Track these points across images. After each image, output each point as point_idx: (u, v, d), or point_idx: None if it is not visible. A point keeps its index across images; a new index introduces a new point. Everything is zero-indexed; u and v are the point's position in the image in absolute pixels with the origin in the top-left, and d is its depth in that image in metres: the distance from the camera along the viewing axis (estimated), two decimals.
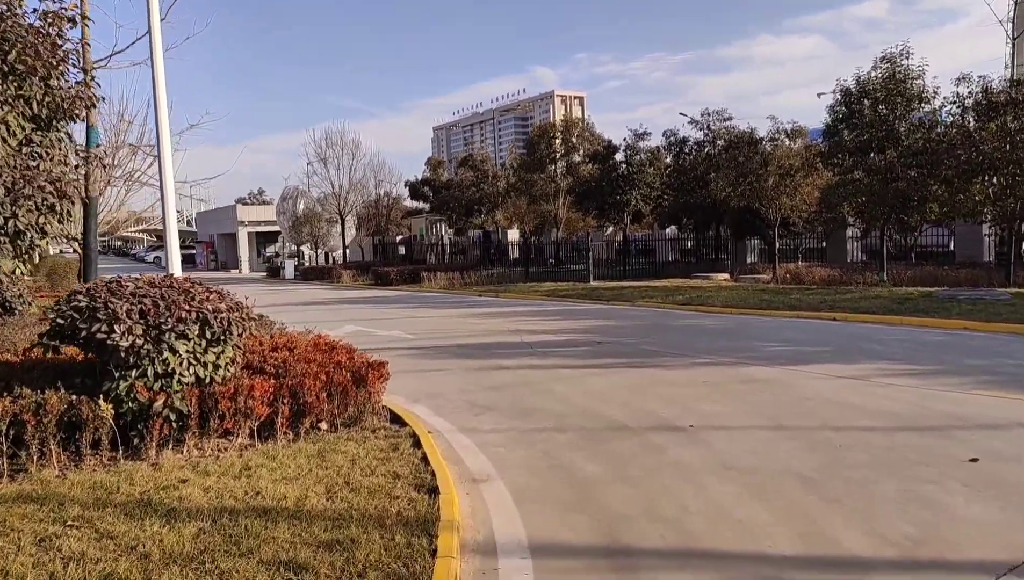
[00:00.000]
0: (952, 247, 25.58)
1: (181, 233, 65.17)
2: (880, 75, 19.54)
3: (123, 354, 5.40)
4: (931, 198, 18.67)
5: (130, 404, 5.55)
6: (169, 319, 5.53)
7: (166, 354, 5.56)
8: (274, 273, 45.53)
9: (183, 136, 13.93)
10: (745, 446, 5.94)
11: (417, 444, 6.06)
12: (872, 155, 19.37)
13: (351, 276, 33.31)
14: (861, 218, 20.51)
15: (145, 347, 5.44)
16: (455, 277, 26.77)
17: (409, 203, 51.16)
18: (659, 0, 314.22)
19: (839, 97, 20.22)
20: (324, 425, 6.54)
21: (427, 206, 46.67)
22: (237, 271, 56.41)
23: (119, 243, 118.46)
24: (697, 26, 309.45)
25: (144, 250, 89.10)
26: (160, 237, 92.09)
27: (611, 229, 38.85)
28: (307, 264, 46.54)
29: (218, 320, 5.84)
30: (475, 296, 23.21)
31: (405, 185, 45.34)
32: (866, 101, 19.66)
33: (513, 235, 40.62)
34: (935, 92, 19.16)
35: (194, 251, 69.21)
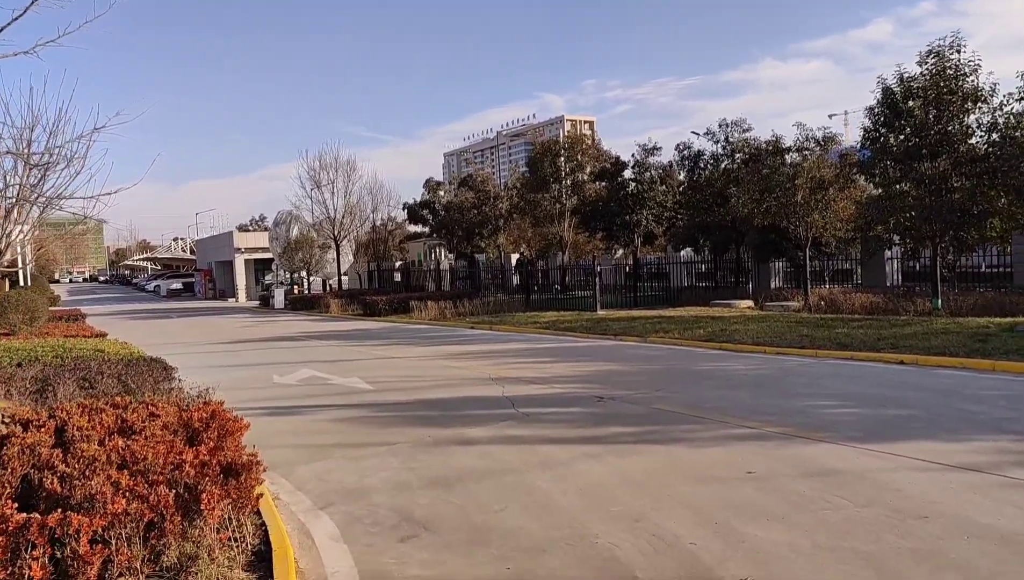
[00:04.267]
0: (1006, 267, 22.69)
1: (182, 261, 63.25)
2: (928, 71, 16.90)
3: None
4: (995, 211, 15.91)
5: None
6: None
7: None
8: (265, 302, 43.17)
9: (97, 143, 11.39)
10: None
11: None
12: (923, 163, 16.64)
13: (339, 306, 30.81)
14: (909, 236, 17.73)
15: None
16: (447, 306, 24.13)
17: (410, 228, 48.89)
18: (665, 27, 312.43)
19: (879, 97, 17.58)
20: None
21: (426, 230, 44.32)
22: (234, 300, 54.19)
23: (127, 272, 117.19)
24: (702, 51, 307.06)
25: (145, 279, 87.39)
26: (165, 266, 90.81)
27: (620, 252, 36.26)
28: (306, 292, 44.17)
29: None
30: (466, 328, 20.57)
31: (403, 208, 42.99)
32: (911, 102, 17.01)
33: (516, 260, 38.11)
34: (993, 89, 16.48)
35: (193, 280, 67.21)
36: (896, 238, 18.93)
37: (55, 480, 4.29)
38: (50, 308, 32.64)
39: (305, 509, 5.57)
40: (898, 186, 17.42)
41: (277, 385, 11.80)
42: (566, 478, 5.92)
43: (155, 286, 71.64)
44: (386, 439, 7.55)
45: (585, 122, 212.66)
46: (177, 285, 67.53)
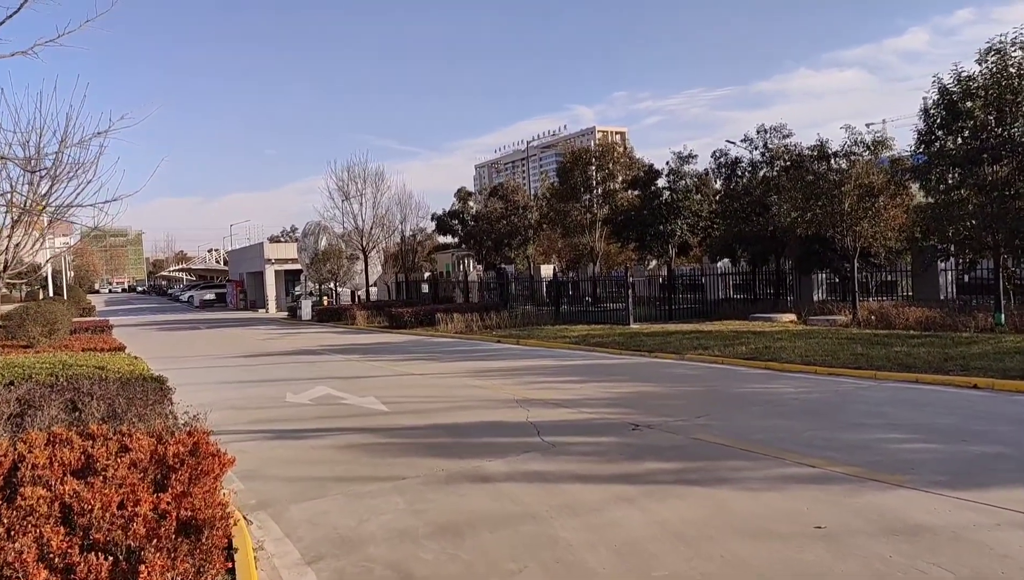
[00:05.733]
0: None
1: (216, 272, 63.79)
2: (988, 70, 15.71)
3: None
4: None
5: None
6: None
7: None
8: (294, 313, 42.93)
9: (101, 141, 10.84)
10: None
11: None
12: (984, 168, 15.40)
13: (365, 318, 30.23)
14: (968, 246, 16.45)
15: None
16: (474, 319, 23.34)
17: (439, 239, 48.40)
18: (696, 37, 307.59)
19: (935, 98, 16.40)
20: None
21: (455, 241, 43.74)
22: (264, 311, 54.24)
23: (163, 283, 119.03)
24: (734, 62, 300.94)
25: (180, 289, 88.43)
26: (200, 276, 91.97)
27: (654, 263, 35.24)
28: (336, 303, 43.83)
29: None
30: (493, 342, 19.74)
31: (432, 218, 42.44)
32: (970, 102, 15.80)
33: (546, 271, 37.22)
34: None
35: (225, 290, 67.61)
36: (953, 248, 17.65)
37: None
38: (79, 319, 32.64)
39: (290, 564, 4.77)
40: (956, 193, 16.19)
41: (289, 404, 11.10)
42: (595, 528, 5.04)
43: (189, 297, 72.32)
44: (394, 472, 6.74)
45: (616, 133, 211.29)
46: (210, 295, 67.93)
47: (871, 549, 4.41)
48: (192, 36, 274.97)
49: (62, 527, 3.69)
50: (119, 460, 4.94)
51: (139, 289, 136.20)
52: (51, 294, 43.94)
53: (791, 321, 20.16)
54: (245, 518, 5.62)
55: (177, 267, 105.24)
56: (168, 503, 4.12)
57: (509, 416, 9.11)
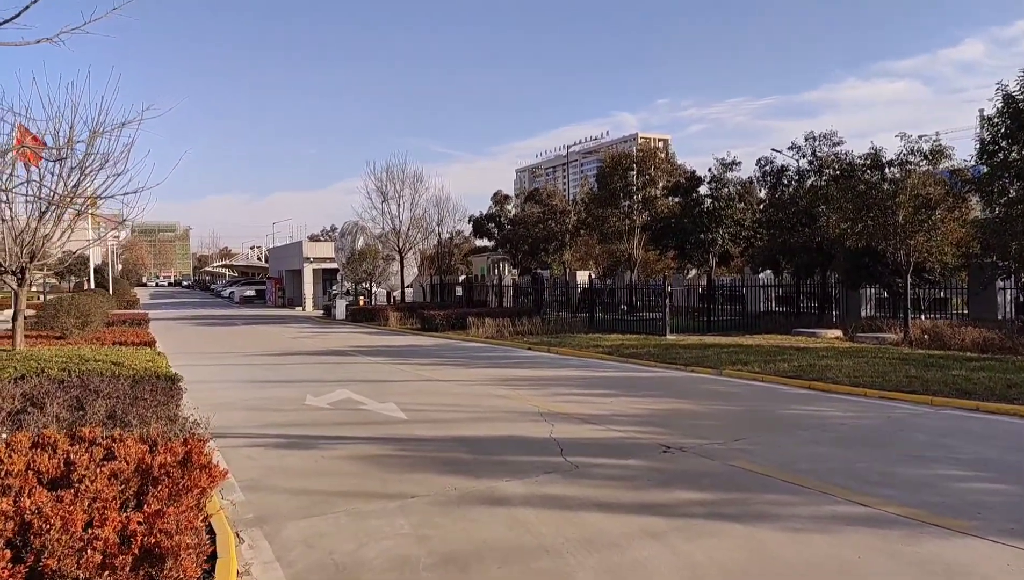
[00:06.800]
0: None
1: (257, 269, 64.54)
2: None
3: None
4: None
5: None
6: None
7: None
8: (328, 312, 43.06)
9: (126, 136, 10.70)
10: None
11: None
12: None
13: (398, 319, 30.01)
14: None
15: None
16: (505, 324, 22.86)
17: (476, 242, 48.17)
18: (741, 46, 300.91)
19: (999, 106, 15.41)
20: None
21: (491, 244, 43.41)
22: (301, 309, 54.65)
23: (207, 278, 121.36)
24: (781, 70, 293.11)
25: (222, 285, 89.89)
26: (242, 273, 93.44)
27: (693, 272, 34.37)
28: (372, 303, 43.84)
29: None
30: (523, 349, 19.23)
31: (468, 221, 42.14)
32: None
33: (582, 277, 36.57)
34: None
35: (264, 287, 68.40)
36: (1014, 265, 16.56)
37: None
38: (120, 311, 33.13)
39: None
40: (1019, 207, 15.17)
41: (307, 407, 10.75)
42: (615, 570, 4.49)
43: (229, 292, 73.35)
44: (404, 490, 6.27)
45: (659, 140, 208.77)
46: (250, 292, 68.78)
47: None
48: (240, 41, 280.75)
49: (10, 551, 3.31)
50: (100, 470, 4.57)
51: (184, 284, 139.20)
52: (94, 286, 44.78)
53: (837, 337, 19.21)
54: (237, 535, 5.22)
55: (220, 263, 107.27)
56: (138, 523, 3.72)
57: (532, 431, 8.59)
